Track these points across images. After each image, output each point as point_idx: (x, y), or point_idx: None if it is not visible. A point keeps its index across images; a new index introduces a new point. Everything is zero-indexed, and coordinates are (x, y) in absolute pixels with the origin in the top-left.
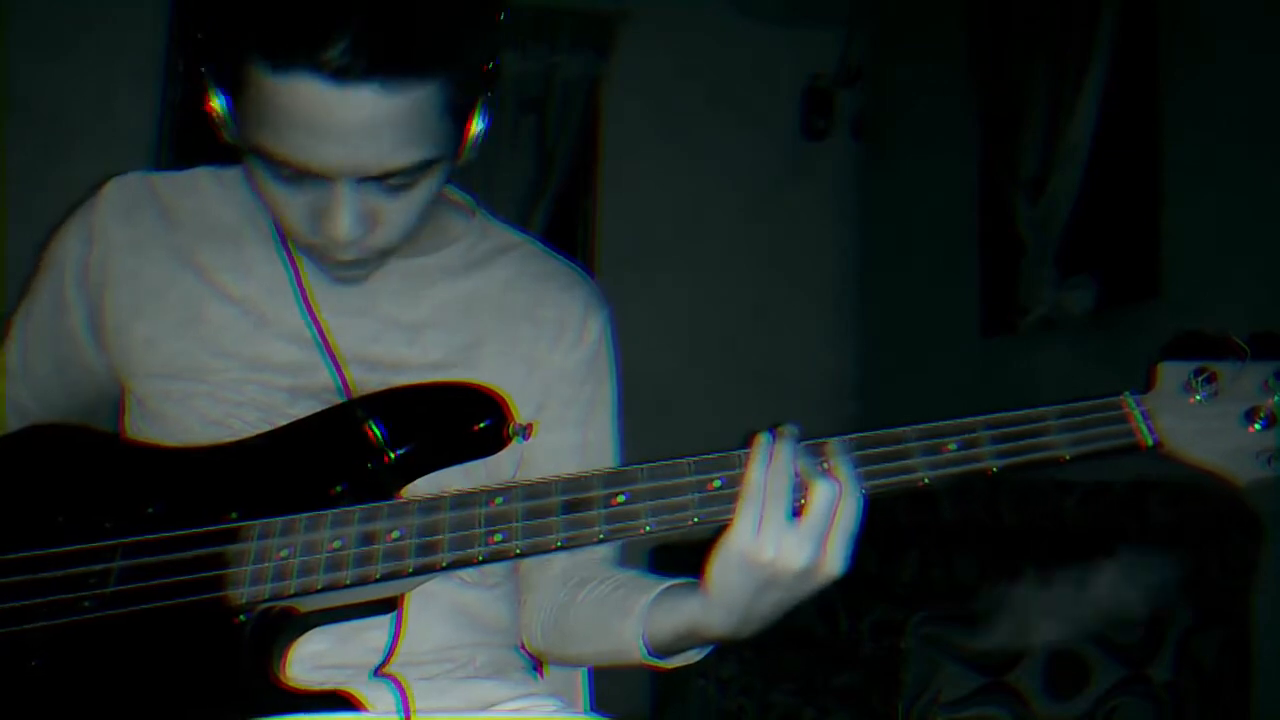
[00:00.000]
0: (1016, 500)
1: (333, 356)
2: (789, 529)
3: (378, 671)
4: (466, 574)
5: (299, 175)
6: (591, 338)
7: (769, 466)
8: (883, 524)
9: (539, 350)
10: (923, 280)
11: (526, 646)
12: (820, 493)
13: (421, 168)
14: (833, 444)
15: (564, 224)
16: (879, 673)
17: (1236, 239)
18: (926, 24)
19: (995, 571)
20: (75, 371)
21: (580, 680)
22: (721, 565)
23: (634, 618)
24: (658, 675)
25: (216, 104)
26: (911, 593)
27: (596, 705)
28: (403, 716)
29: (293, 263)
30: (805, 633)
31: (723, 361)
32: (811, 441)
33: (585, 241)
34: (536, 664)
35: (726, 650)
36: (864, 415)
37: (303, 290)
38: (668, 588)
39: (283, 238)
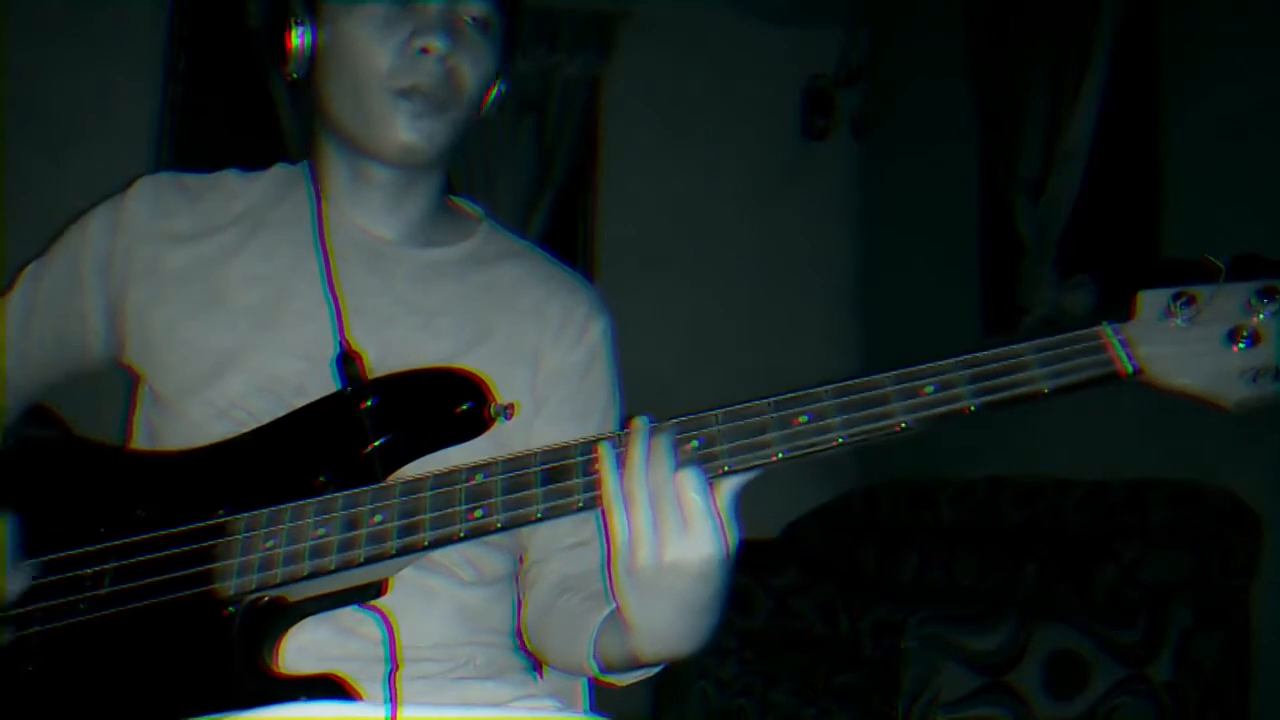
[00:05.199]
0: (1016, 500)
1: (344, 340)
2: (672, 525)
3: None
4: (466, 573)
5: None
6: (591, 339)
7: (633, 470)
8: (883, 524)
9: (543, 344)
10: (923, 280)
11: (526, 645)
12: (686, 481)
13: (496, 6)
14: (642, 423)
15: (564, 224)
16: (879, 673)
17: (1236, 239)
18: (926, 24)
19: (995, 571)
20: (71, 350)
21: (580, 681)
22: (622, 589)
23: (587, 635)
24: (658, 675)
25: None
26: (911, 593)
27: (596, 705)
28: (389, 699)
29: (321, 236)
30: (805, 633)
31: (723, 361)
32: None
33: (585, 241)
34: (536, 664)
35: (726, 650)
36: None
37: (328, 266)
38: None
39: (319, 217)
